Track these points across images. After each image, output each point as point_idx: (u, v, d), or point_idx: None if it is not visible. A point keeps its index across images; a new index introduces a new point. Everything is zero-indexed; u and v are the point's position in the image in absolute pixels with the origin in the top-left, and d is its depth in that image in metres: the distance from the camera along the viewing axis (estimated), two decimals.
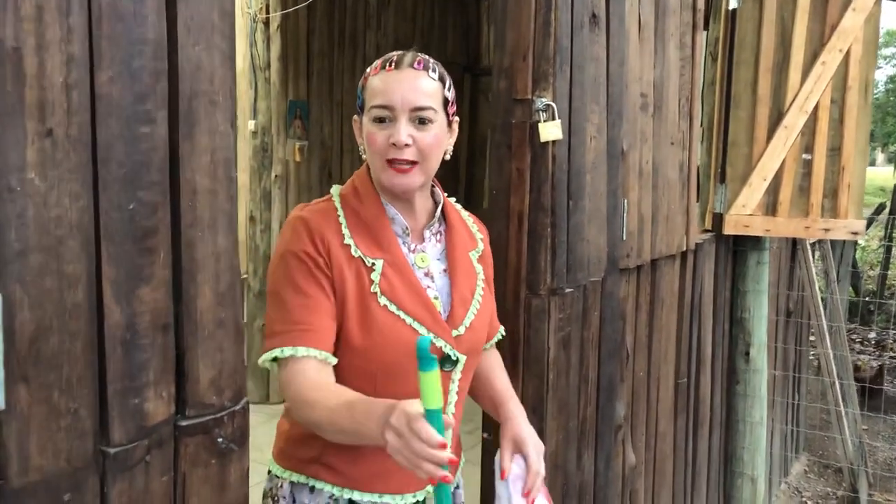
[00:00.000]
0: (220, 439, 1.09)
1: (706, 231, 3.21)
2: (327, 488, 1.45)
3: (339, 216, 1.44)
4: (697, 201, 3.44)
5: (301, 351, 1.33)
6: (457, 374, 1.49)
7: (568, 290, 2.03)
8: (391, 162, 1.39)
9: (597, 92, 2.11)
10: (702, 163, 3.34)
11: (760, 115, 3.14)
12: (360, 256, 1.40)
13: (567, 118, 1.97)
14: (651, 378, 2.64)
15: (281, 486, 1.49)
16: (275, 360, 1.36)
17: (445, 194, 1.58)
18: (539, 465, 1.60)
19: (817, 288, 4.46)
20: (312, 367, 1.33)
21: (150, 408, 0.99)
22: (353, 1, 5.21)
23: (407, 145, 1.38)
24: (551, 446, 2.01)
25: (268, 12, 4.69)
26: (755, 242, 3.38)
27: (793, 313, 4.63)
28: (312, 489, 1.46)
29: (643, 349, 2.55)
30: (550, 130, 1.88)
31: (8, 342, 0.84)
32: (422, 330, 1.42)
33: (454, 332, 1.46)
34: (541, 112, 1.88)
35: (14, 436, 0.86)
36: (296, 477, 1.47)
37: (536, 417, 1.97)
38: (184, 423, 1.05)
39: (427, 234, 1.52)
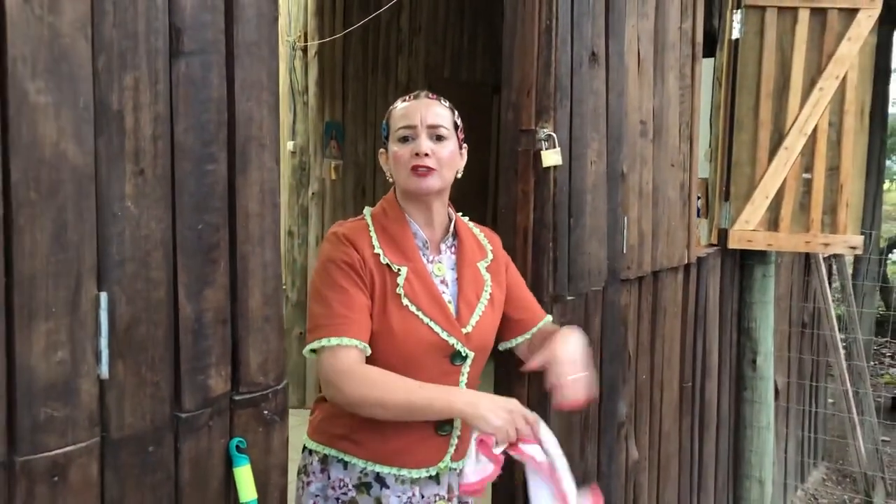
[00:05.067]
0: (265, 412, 1.37)
1: (712, 245, 3.44)
2: (359, 463, 1.71)
3: (370, 231, 1.73)
4: (707, 217, 3.67)
5: (345, 340, 1.59)
6: (466, 368, 1.75)
7: (570, 298, 2.28)
8: (415, 169, 1.68)
9: (597, 121, 2.37)
10: (710, 181, 3.57)
11: (762, 138, 3.36)
12: (387, 263, 1.68)
13: (568, 146, 2.23)
14: (654, 381, 2.87)
15: (312, 462, 1.76)
16: (312, 351, 1.63)
17: (458, 213, 1.86)
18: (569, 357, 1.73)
19: (831, 300, 4.64)
20: (356, 355, 1.60)
21: (212, 384, 1.27)
22: (385, 28, 5.52)
23: (427, 154, 1.68)
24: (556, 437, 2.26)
25: (306, 40, 5.02)
26: (761, 256, 3.59)
27: (808, 325, 4.81)
28: (345, 465, 1.73)
29: (646, 353, 2.79)
30: (551, 157, 2.14)
31: (110, 329, 1.12)
32: (436, 328, 1.68)
33: (464, 330, 1.73)
34: (543, 141, 2.15)
35: (114, 400, 1.14)
36: (328, 451, 1.73)
37: (542, 411, 2.22)
38: (238, 397, 1.33)
39: (443, 247, 1.80)
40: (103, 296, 1.11)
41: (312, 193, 5.14)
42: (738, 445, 3.74)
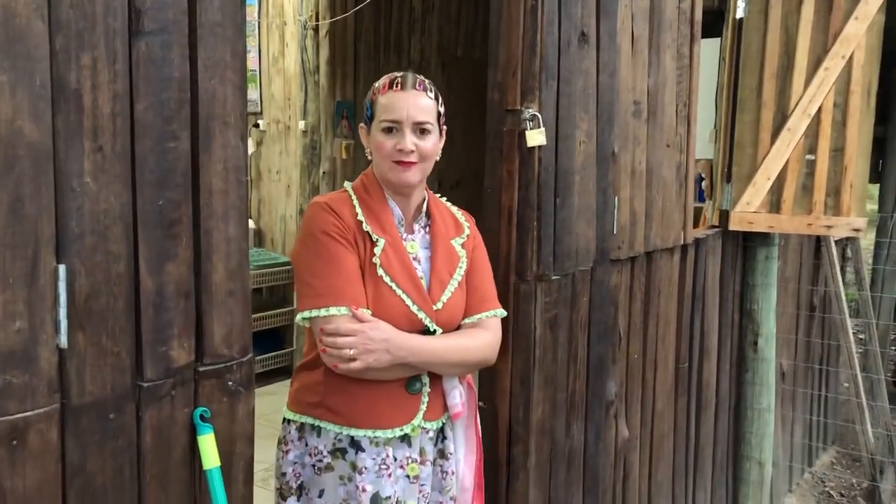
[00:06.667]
0: (230, 383, 1.41)
1: (713, 227, 3.42)
2: (333, 429, 1.76)
3: (353, 201, 1.78)
4: (712, 199, 3.65)
5: (332, 310, 1.65)
6: None
7: (555, 277, 2.30)
8: (397, 162, 1.72)
9: (586, 102, 2.37)
10: (714, 162, 3.55)
11: (765, 119, 3.34)
12: (368, 231, 1.73)
13: (554, 126, 2.24)
14: (647, 360, 2.88)
15: (290, 431, 1.81)
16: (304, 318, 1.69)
17: (436, 194, 1.89)
18: None
19: (840, 284, 4.59)
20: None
21: (174, 355, 1.32)
22: (398, 6, 5.53)
23: (411, 151, 1.71)
24: (538, 414, 2.29)
25: (317, 20, 5.04)
26: (764, 238, 3.56)
27: (817, 308, 4.77)
28: (319, 432, 1.77)
29: (638, 333, 2.80)
30: (536, 137, 2.15)
31: (69, 300, 1.17)
32: (408, 301, 1.72)
33: (434, 307, 1.76)
34: (528, 121, 2.16)
35: (74, 368, 1.19)
36: (304, 419, 1.79)
37: (524, 388, 2.25)
38: (202, 368, 1.37)
39: (416, 226, 1.83)
40: (62, 268, 1.15)
41: (323, 172, 5.18)
42: (739, 427, 3.74)
